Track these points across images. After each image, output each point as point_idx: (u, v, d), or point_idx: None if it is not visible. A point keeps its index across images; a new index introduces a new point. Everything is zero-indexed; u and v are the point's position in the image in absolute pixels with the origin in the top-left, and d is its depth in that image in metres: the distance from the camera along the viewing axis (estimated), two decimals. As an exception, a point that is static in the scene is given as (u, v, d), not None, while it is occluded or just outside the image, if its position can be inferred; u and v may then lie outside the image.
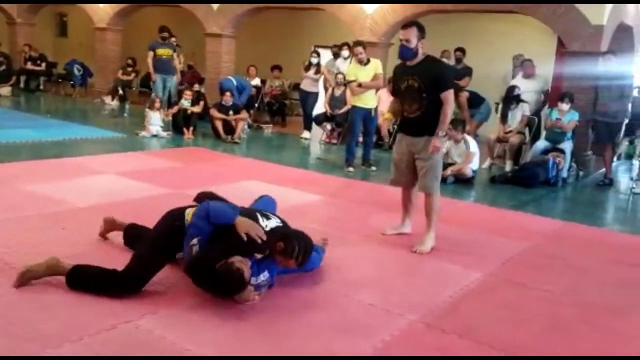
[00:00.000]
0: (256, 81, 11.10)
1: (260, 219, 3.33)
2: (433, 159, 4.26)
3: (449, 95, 4.19)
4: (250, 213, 3.35)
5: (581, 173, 8.03)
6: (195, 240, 3.17)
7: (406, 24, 4.32)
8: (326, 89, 9.84)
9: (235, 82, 9.91)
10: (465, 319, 3.20)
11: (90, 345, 2.61)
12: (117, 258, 3.66)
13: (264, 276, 3.22)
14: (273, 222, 3.39)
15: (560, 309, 3.44)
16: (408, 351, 2.79)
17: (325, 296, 3.35)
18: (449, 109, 4.21)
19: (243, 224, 3.14)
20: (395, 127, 4.94)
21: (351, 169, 7.36)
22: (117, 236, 4.06)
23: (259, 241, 3.12)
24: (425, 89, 4.18)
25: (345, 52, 9.25)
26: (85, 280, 3.15)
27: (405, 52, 4.26)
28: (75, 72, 13.53)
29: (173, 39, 10.49)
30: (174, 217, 3.35)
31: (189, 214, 3.29)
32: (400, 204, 4.67)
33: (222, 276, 2.99)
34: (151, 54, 10.10)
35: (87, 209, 4.73)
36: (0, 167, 5.98)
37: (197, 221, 3.20)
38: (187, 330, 2.81)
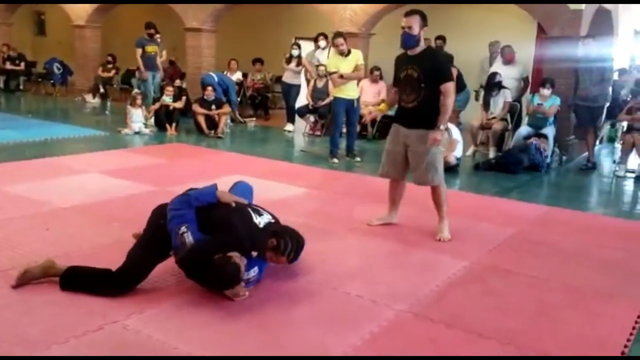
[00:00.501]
0: (238, 75, 11.03)
1: (254, 216, 3.32)
2: (431, 151, 4.24)
3: (449, 87, 4.18)
4: (242, 209, 3.33)
5: (564, 158, 8.10)
6: (184, 228, 3.16)
7: (409, 12, 4.25)
8: (308, 80, 9.81)
9: (216, 78, 9.85)
10: (452, 307, 3.22)
11: (77, 347, 2.59)
12: (103, 257, 3.63)
13: (253, 272, 3.22)
14: (265, 219, 3.39)
15: (547, 295, 3.47)
16: (396, 342, 2.80)
17: (312, 289, 3.35)
18: (450, 102, 4.19)
19: (225, 196, 3.32)
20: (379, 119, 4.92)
21: (335, 160, 7.36)
22: (102, 236, 4.03)
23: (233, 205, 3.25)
24: (425, 80, 4.15)
25: (322, 42, 9.20)
26: (80, 280, 3.15)
27: (408, 40, 4.21)
28: (55, 70, 13.36)
29: (158, 36, 10.37)
30: (158, 215, 3.34)
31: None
32: (386, 195, 4.68)
33: (218, 270, 2.99)
34: (139, 51, 9.92)
35: (71, 208, 4.68)
36: (-20, 169, 5.89)
37: (177, 211, 3.21)
38: (174, 329, 2.80)
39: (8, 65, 13.68)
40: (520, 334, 2.94)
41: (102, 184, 5.58)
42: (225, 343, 2.70)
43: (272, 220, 3.43)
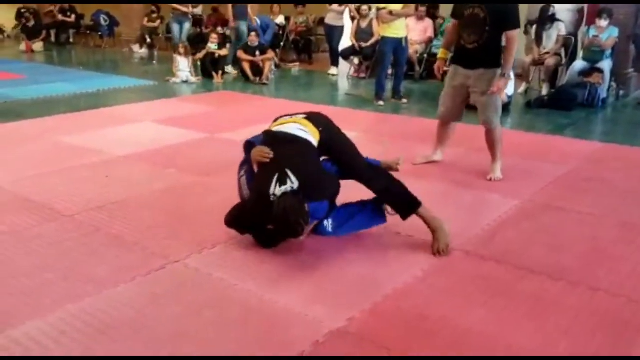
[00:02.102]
0: (280, 19, 10.92)
1: (273, 184, 2.90)
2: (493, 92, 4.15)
3: (515, 35, 4.05)
4: (270, 169, 2.99)
5: (621, 92, 7.77)
6: (242, 172, 3.23)
7: None
8: (353, 19, 9.60)
9: (259, 22, 9.78)
10: (503, 245, 3.23)
11: (142, 285, 2.75)
12: (161, 202, 3.79)
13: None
14: (284, 188, 2.94)
15: (601, 231, 3.43)
16: (448, 278, 2.85)
17: (361, 232, 3.39)
18: (514, 49, 4.09)
19: (254, 154, 3.08)
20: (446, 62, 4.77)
21: (381, 102, 7.29)
22: (159, 182, 4.18)
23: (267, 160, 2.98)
24: (491, 22, 4.02)
25: None
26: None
27: None
28: (102, 22, 13.54)
29: None
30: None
31: None
32: (434, 135, 4.65)
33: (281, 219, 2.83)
34: None
35: (127, 156, 4.85)
36: (39, 121, 6.13)
37: (246, 154, 3.26)
38: (232, 267, 2.92)
39: (60, 17, 13.92)
40: (572, 270, 2.94)
41: (155, 132, 5.74)
42: (281, 279, 2.81)
43: (292, 189, 2.90)
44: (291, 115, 3.35)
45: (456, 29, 4.28)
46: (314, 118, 3.29)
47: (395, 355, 2.23)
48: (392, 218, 3.46)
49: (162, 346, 2.28)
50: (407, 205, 3.21)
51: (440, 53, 4.62)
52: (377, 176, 3.26)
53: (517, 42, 4.09)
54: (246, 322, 2.46)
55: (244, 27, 9.52)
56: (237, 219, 3.15)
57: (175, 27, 10.58)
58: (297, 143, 3.10)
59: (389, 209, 3.30)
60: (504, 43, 4.18)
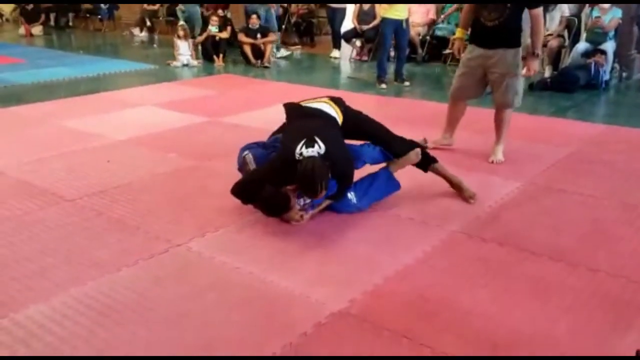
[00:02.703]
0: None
1: (299, 145, 3.03)
2: (515, 73, 4.10)
3: (540, 12, 3.99)
4: (297, 130, 3.16)
5: (624, 74, 7.72)
6: (247, 151, 3.41)
7: None
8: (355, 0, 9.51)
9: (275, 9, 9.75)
10: (505, 227, 3.23)
11: (145, 268, 2.76)
12: (163, 186, 3.80)
13: (303, 200, 3.25)
14: (312, 151, 3.04)
15: (602, 213, 3.43)
16: (449, 260, 2.86)
17: (363, 213, 3.40)
18: (541, 27, 4.03)
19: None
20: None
21: (383, 85, 7.25)
22: (161, 166, 4.18)
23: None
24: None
25: None
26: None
27: None
28: (102, 5, 13.44)
29: None
30: None
31: None
32: (437, 119, 4.62)
33: (266, 200, 3.12)
34: None
35: (128, 140, 4.85)
36: (39, 105, 6.12)
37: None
38: (234, 250, 2.93)
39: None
40: (573, 251, 2.94)
41: (156, 116, 5.73)
42: (283, 262, 2.82)
43: (318, 153, 3.01)
44: (314, 98, 3.49)
45: (473, 7, 4.20)
46: (336, 100, 3.47)
47: (397, 335, 2.25)
48: (395, 202, 3.47)
49: (165, 328, 2.30)
50: (427, 159, 3.61)
51: (458, 33, 4.53)
52: (402, 140, 3.63)
53: (542, 21, 4.03)
54: (248, 304, 2.47)
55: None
56: (244, 186, 3.22)
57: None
58: (324, 117, 3.28)
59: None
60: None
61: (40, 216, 3.34)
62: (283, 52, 9.80)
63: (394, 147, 3.53)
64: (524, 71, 4.09)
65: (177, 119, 5.58)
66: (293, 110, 3.41)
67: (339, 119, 3.31)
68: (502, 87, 4.15)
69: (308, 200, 3.25)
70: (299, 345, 2.19)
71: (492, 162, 4.27)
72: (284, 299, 2.51)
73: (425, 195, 3.68)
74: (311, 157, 2.96)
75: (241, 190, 3.25)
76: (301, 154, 2.98)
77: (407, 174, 4.04)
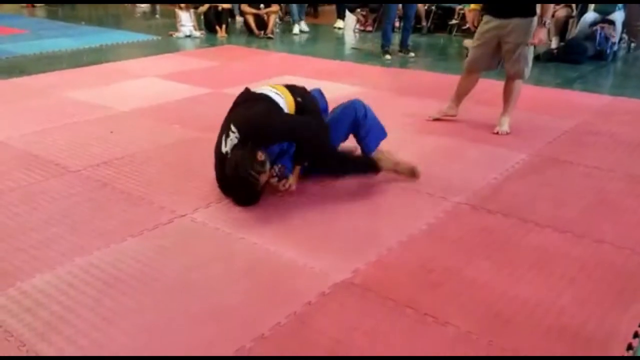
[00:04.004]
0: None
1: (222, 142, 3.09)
2: (526, 43, 4.06)
3: None
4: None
5: (633, 45, 7.62)
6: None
7: None
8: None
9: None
10: (510, 199, 3.22)
11: (150, 238, 2.77)
12: (167, 156, 3.79)
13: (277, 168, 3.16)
14: (229, 144, 3.06)
15: (607, 184, 3.41)
16: (454, 231, 2.86)
17: (367, 183, 3.39)
18: None
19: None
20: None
21: (388, 56, 7.18)
22: (164, 137, 4.17)
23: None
24: None
25: None
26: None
27: None
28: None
29: None
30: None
31: None
32: (442, 90, 4.59)
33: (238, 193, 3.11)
34: None
35: (131, 112, 4.83)
36: (42, 76, 6.09)
37: None
38: (239, 221, 2.94)
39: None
40: (577, 222, 2.94)
41: (159, 87, 5.69)
42: (287, 233, 2.82)
43: (237, 139, 3.02)
44: (274, 85, 3.40)
45: None
46: (293, 88, 3.36)
47: (401, 305, 2.26)
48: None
49: (170, 297, 2.31)
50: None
51: (472, 5, 4.50)
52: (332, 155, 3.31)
53: None
54: (253, 273, 2.48)
55: None
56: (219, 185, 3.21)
57: None
58: (259, 101, 3.17)
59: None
60: None
61: (45, 187, 3.34)
62: (304, 25, 9.48)
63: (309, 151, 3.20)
64: (534, 41, 4.03)
65: (180, 90, 5.55)
66: (236, 99, 3.31)
67: (286, 104, 3.18)
68: (514, 56, 4.12)
69: (278, 166, 3.15)
70: (303, 315, 2.20)
71: (497, 133, 4.24)
72: (288, 269, 2.52)
73: (430, 167, 3.66)
74: (233, 151, 2.96)
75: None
76: (226, 152, 3.02)
77: (413, 146, 4.03)
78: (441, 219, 2.99)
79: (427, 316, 2.20)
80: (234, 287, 2.39)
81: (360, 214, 3.05)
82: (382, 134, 3.46)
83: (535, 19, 4.03)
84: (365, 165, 3.40)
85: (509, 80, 4.26)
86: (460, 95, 4.53)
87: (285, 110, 3.17)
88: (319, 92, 3.67)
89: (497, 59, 4.30)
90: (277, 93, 3.23)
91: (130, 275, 2.46)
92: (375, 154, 3.42)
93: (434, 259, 2.60)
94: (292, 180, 3.19)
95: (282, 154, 3.20)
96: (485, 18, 4.26)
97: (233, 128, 3.03)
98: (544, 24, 4.02)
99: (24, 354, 2.00)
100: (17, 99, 5.21)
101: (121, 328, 2.13)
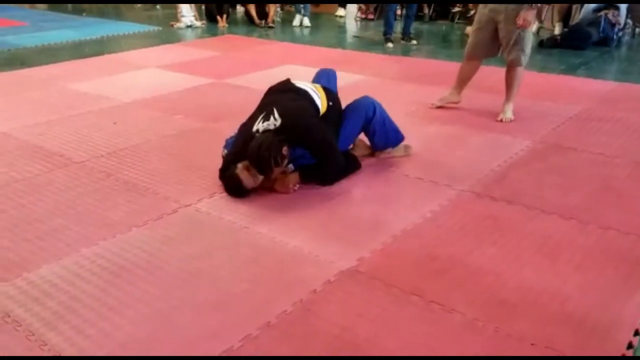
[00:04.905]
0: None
1: (257, 121, 3.08)
2: (522, 29, 4.04)
3: None
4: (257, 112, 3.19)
5: (637, 30, 7.56)
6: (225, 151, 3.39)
7: None
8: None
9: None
10: (514, 186, 3.21)
11: (154, 229, 2.77)
12: (170, 147, 3.79)
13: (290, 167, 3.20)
14: (266, 125, 3.06)
15: (612, 171, 3.40)
16: (458, 219, 2.85)
17: (371, 172, 3.39)
18: None
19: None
20: None
21: (390, 44, 7.14)
22: (167, 128, 4.16)
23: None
24: None
25: None
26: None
27: None
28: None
29: None
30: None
31: None
32: (445, 77, 4.58)
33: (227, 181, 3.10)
34: None
35: (134, 103, 4.82)
36: (44, 68, 6.08)
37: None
38: (242, 212, 2.94)
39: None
40: (582, 209, 2.93)
41: (161, 78, 5.68)
42: (291, 222, 2.83)
43: (275, 126, 3.02)
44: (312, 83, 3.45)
45: None
46: (329, 91, 3.39)
47: (407, 293, 2.26)
48: (403, 162, 3.46)
49: (176, 286, 2.32)
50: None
51: None
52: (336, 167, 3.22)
53: None
54: (258, 262, 2.49)
55: None
56: (221, 175, 3.18)
57: None
58: (299, 94, 3.22)
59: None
60: None
61: (50, 178, 3.35)
62: (306, 21, 9.14)
63: (323, 171, 3.18)
64: (519, 22, 3.99)
65: (182, 80, 5.54)
66: (276, 85, 3.34)
67: (321, 104, 3.21)
68: (511, 42, 4.09)
69: (291, 167, 3.17)
70: (309, 302, 2.21)
71: (501, 120, 4.23)
72: (293, 257, 2.53)
73: (434, 155, 3.66)
74: (264, 134, 2.95)
75: (220, 178, 3.19)
76: (257, 130, 3.00)
77: (416, 134, 4.02)
78: (445, 206, 2.99)
79: (433, 303, 2.20)
80: (239, 275, 2.39)
81: (364, 202, 3.05)
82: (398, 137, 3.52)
83: (530, 6, 3.97)
84: (353, 166, 3.38)
85: (509, 68, 4.24)
86: (461, 82, 4.51)
87: (318, 105, 3.20)
88: (333, 73, 3.74)
89: (497, 45, 4.27)
90: (314, 91, 3.26)
91: (136, 264, 2.47)
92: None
93: (438, 247, 2.60)
94: (293, 178, 3.15)
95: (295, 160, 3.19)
96: (481, 5, 4.25)
97: (277, 114, 3.01)
98: (532, 6, 3.97)
99: (32, 343, 2.02)
100: (19, 91, 5.20)
101: (127, 317, 2.14)
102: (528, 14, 3.95)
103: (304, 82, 3.37)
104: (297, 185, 3.15)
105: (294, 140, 3.01)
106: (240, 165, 3.02)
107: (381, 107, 3.41)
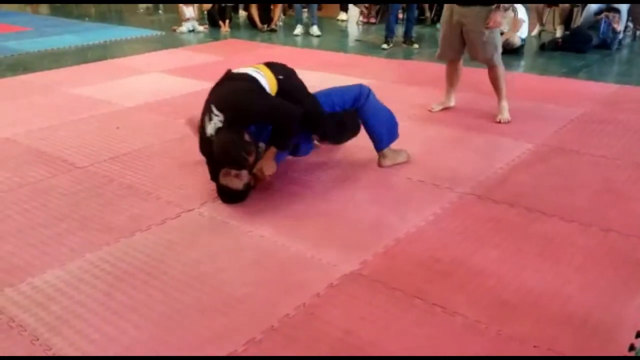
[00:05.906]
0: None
1: (205, 124, 3.05)
2: (490, 29, 4.07)
3: None
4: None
5: (638, 33, 7.57)
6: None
7: None
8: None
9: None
10: (516, 188, 3.22)
11: (159, 233, 2.79)
12: (174, 151, 3.81)
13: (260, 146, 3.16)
14: (213, 126, 3.00)
15: (614, 173, 3.41)
16: (460, 221, 2.86)
17: (373, 175, 3.40)
18: None
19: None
20: None
21: (385, 45, 7.18)
22: (170, 133, 4.18)
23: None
24: None
25: None
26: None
27: None
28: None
29: None
30: None
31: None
32: (444, 80, 4.59)
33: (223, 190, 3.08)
34: None
35: (137, 107, 4.84)
36: (47, 73, 6.11)
37: None
38: (244, 215, 2.95)
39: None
40: (584, 211, 2.94)
41: (163, 82, 5.70)
42: (294, 225, 2.84)
43: (220, 122, 2.97)
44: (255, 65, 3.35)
45: None
46: (274, 66, 3.33)
47: (410, 295, 2.27)
48: (405, 165, 3.47)
49: (180, 290, 2.33)
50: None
51: None
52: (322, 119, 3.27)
53: None
54: (261, 266, 2.50)
55: None
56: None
57: None
58: (240, 80, 3.14)
59: None
60: None
61: (53, 183, 3.37)
62: (316, 30, 8.82)
63: (285, 132, 3.11)
64: (490, 23, 4.01)
65: (184, 85, 5.56)
66: (218, 81, 3.25)
67: (267, 83, 3.13)
68: (481, 44, 4.11)
69: (260, 144, 3.12)
70: (312, 306, 2.22)
71: (500, 121, 4.24)
72: (296, 261, 2.54)
73: (436, 158, 3.67)
74: (218, 133, 2.92)
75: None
76: (211, 134, 2.97)
77: (418, 136, 4.03)
78: (448, 209, 3.00)
79: (435, 306, 2.21)
80: (242, 279, 2.40)
81: (366, 205, 3.06)
82: (394, 132, 3.52)
83: (495, 8, 4.00)
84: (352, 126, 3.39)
85: (489, 69, 4.27)
86: (450, 84, 4.56)
87: (267, 89, 3.12)
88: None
89: (462, 47, 4.28)
90: (257, 71, 3.18)
91: (139, 269, 2.48)
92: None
93: (441, 249, 2.61)
94: (267, 165, 3.10)
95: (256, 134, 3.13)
96: (446, 6, 4.27)
97: (215, 110, 2.96)
98: (501, 8, 3.99)
99: (37, 347, 2.03)
100: (22, 96, 5.23)
101: (132, 321, 2.15)
102: (497, 15, 3.98)
103: (247, 67, 3.26)
104: (272, 171, 3.12)
105: (245, 123, 2.98)
106: (220, 176, 3.01)
107: (378, 101, 3.46)
